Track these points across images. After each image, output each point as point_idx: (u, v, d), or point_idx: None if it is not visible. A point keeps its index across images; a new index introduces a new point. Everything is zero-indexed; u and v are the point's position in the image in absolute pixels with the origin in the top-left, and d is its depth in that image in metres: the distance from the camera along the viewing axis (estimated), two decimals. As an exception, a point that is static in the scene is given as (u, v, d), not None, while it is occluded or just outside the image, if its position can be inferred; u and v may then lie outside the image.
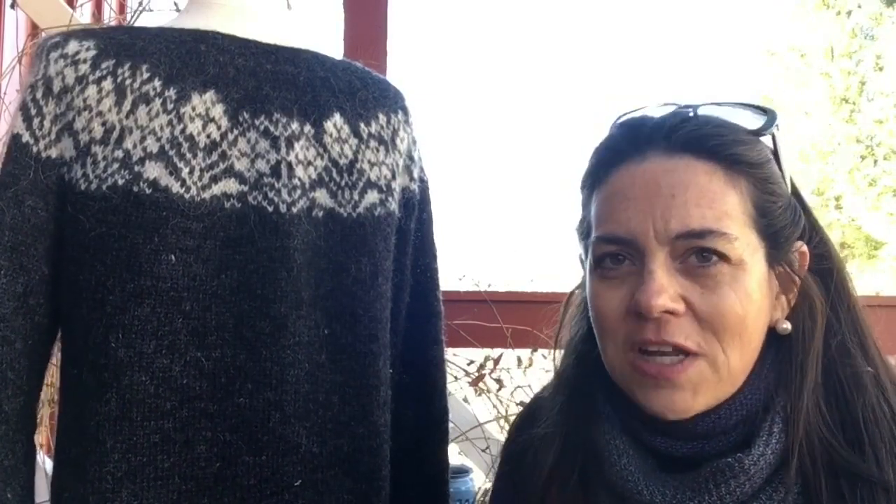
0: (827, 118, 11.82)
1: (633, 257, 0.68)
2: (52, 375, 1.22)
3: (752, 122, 0.69)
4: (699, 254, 0.65)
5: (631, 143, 0.70)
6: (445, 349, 1.05)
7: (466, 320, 1.51)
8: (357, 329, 0.89)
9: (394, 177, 0.95)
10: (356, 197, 0.91)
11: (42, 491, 0.88)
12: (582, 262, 0.78)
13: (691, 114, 0.70)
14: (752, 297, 0.65)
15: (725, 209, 0.65)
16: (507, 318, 1.54)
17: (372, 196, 0.92)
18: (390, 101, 0.98)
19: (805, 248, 0.70)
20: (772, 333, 0.69)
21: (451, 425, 1.06)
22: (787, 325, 0.69)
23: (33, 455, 0.84)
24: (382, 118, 0.96)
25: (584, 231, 0.75)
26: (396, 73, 1.59)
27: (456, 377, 1.70)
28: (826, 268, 0.71)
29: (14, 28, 2.05)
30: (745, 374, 0.68)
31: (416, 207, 1.00)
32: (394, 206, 0.94)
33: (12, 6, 1.93)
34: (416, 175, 1.00)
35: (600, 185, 0.71)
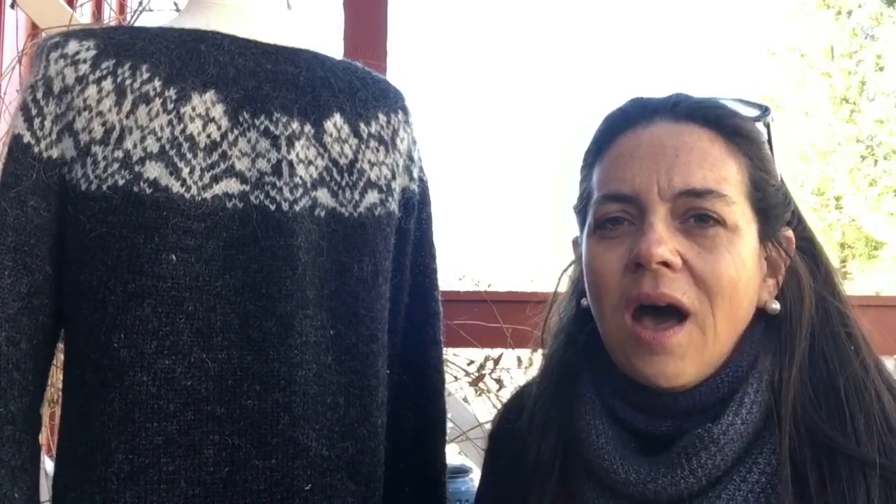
0: (827, 118, 11.82)
1: (633, 218, 0.70)
2: (52, 376, 1.22)
3: (748, 111, 0.74)
4: (698, 217, 0.68)
5: (639, 110, 0.74)
6: (445, 349, 1.05)
7: (466, 320, 1.51)
8: (360, 329, 0.89)
9: (394, 177, 0.95)
10: (357, 197, 0.91)
11: (43, 491, 0.88)
12: (575, 243, 0.80)
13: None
14: (745, 263, 0.68)
15: (725, 174, 0.69)
16: (507, 318, 1.54)
17: (372, 196, 0.92)
18: (390, 101, 0.98)
19: (791, 233, 0.73)
20: (759, 315, 0.71)
21: (450, 425, 1.06)
22: (776, 305, 0.72)
23: (38, 455, 0.84)
24: (382, 118, 0.96)
25: (583, 203, 0.77)
26: (396, 73, 1.59)
27: (456, 377, 1.70)
28: (811, 253, 0.74)
29: (14, 28, 2.05)
30: (730, 346, 0.69)
31: (416, 207, 1.00)
32: (394, 206, 0.95)
33: (12, 6, 1.93)
34: (415, 175, 1.00)
35: (605, 153, 0.74)
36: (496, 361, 1.71)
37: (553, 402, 0.78)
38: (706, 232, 0.67)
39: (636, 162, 0.70)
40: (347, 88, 0.94)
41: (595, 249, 0.72)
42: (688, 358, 0.67)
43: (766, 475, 0.65)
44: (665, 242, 0.66)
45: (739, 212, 0.68)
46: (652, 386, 0.68)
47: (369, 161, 0.93)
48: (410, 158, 0.99)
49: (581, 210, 0.77)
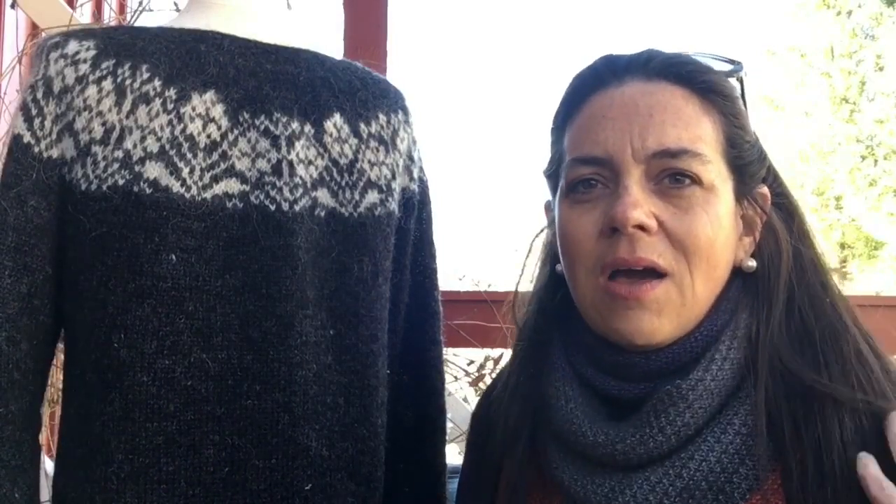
0: (827, 118, 11.81)
1: (606, 180, 0.69)
2: (52, 376, 1.22)
3: (721, 66, 0.72)
4: (673, 177, 0.67)
5: (609, 69, 0.72)
6: (445, 349, 1.05)
7: (466, 320, 1.51)
8: (360, 329, 0.89)
9: (394, 177, 0.95)
10: (357, 197, 0.91)
11: (43, 491, 0.88)
12: (548, 207, 0.79)
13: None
14: (721, 222, 0.67)
15: (699, 133, 0.68)
16: (507, 318, 1.54)
17: (372, 196, 0.92)
18: (390, 101, 0.98)
19: (766, 190, 0.72)
20: (735, 273, 0.70)
21: (450, 425, 1.06)
22: (753, 263, 0.71)
23: (39, 455, 0.84)
24: (382, 118, 0.96)
25: (554, 167, 0.75)
26: (396, 73, 1.59)
27: (456, 377, 1.70)
28: (786, 208, 0.73)
29: (14, 28, 2.05)
30: (707, 306, 0.68)
31: (416, 207, 1.00)
32: (394, 205, 0.95)
33: (12, 6, 1.93)
34: (415, 175, 1.00)
35: (575, 114, 0.73)
36: (496, 361, 1.71)
37: (524, 370, 0.77)
38: (682, 192, 0.66)
39: (608, 123, 0.68)
40: (347, 88, 0.94)
41: (568, 214, 0.71)
42: (664, 316, 0.66)
43: (742, 435, 0.63)
44: (640, 205, 0.65)
45: (715, 171, 0.67)
46: (627, 344, 0.67)
47: (369, 161, 0.93)
48: (410, 158, 0.99)
49: (552, 174, 0.76)
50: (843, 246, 11.94)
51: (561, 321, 0.77)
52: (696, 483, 0.63)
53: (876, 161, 11.53)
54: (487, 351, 1.70)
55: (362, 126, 0.93)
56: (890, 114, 11.23)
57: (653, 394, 0.66)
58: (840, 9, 11.92)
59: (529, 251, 0.84)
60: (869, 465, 0.59)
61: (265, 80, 0.89)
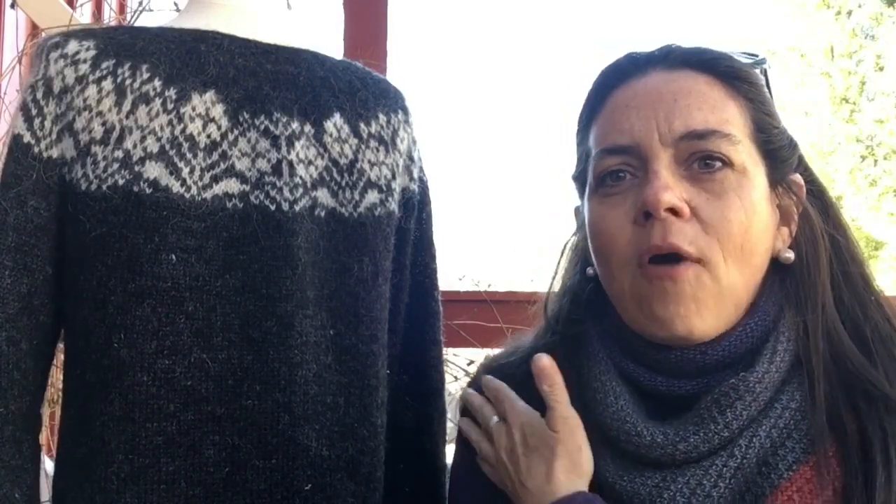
0: (827, 118, 11.81)
1: (635, 169, 0.67)
2: (52, 376, 1.22)
3: (743, 59, 0.72)
4: (703, 160, 0.65)
5: (632, 63, 0.72)
6: (445, 349, 1.05)
7: (466, 320, 1.51)
8: (360, 329, 0.89)
9: (394, 177, 0.95)
10: (357, 197, 0.91)
11: (43, 491, 0.88)
12: (577, 212, 0.78)
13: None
14: (756, 208, 0.65)
15: (726, 116, 0.67)
16: (507, 318, 1.54)
17: (372, 196, 0.92)
18: (390, 101, 0.97)
19: (800, 179, 0.71)
20: (775, 265, 0.69)
21: (450, 425, 1.06)
22: (791, 254, 0.69)
23: (39, 455, 0.84)
24: (382, 118, 0.96)
25: (582, 167, 0.74)
26: (396, 73, 1.59)
27: (456, 377, 1.70)
28: (821, 199, 0.72)
29: (14, 28, 2.05)
30: (749, 298, 0.67)
31: (416, 207, 1.00)
32: (394, 206, 0.95)
33: (12, 6, 1.93)
34: (415, 175, 1.00)
35: (599, 110, 0.72)
36: (496, 361, 1.70)
37: (562, 357, 0.73)
38: (713, 176, 0.65)
39: (633, 112, 0.68)
40: (347, 88, 0.94)
41: (599, 210, 0.69)
42: (702, 302, 0.64)
43: (791, 410, 0.63)
44: (671, 188, 0.64)
45: (745, 152, 0.66)
46: (669, 333, 0.65)
47: (369, 161, 0.93)
48: (410, 158, 0.99)
49: (580, 174, 0.75)
50: (842, 246, 11.92)
51: (597, 314, 0.74)
52: (748, 461, 0.62)
53: (876, 161, 11.53)
54: (487, 351, 1.69)
55: (362, 126, 0.93)
56: (890, 114, 11.23)
57: (708, 389, 0.65)
58: (840, 9, 11.92)
59: (562, 254, 0.83)
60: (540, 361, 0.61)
61: (265, 80, 0.89)
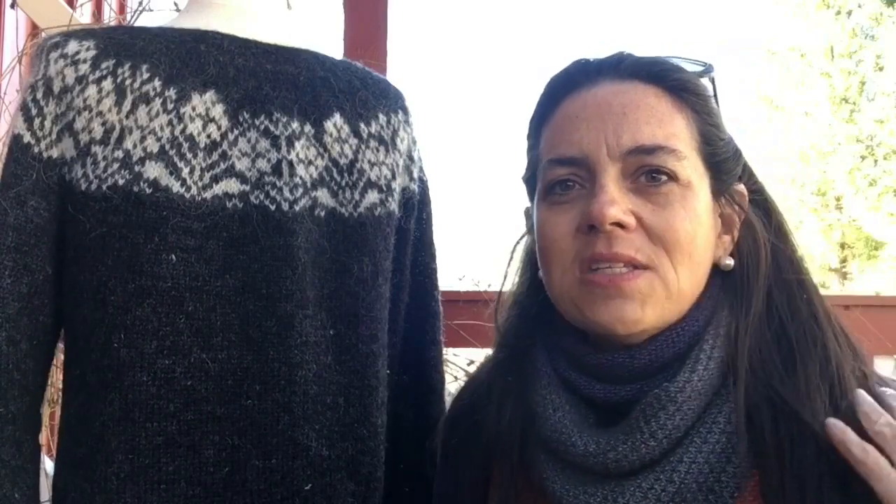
0: (827, 118, 11.82)
1: (583, 180, 0.69)
2: (52, 376, 1.22)
3: (691, 67, 0.73)
4: (649, 174, 0.67)
5: (582, 71, 0.72)
6: (445, 349, 1.05)
7: (466, 320, 1.51)
8: (360, 329, 0.89)
9: (394, 177, 0.95)
10: (357, 197, 0.91)
11: (43, 491, 0.88)
12: (527, 213, 0.79)
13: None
14: (700, 218, 0.67)
15: (673, 130, 0.68)
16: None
17: (372, 196, 0.92)
18: (390, 101, 0.98)
19: (743, 188, 0.72)
20: (714, 272, 0.70)
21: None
22: (731, 261, 0.71)
23: (38, 455, 0.84)
24: (382, 118, 0.96)
25: (531, 172, 0.75)
26: (396, 73, 1.59)
27: (456, 377, 1.70)
28: (763, 206, 0.73)
29: (14, 28, 2.05)
30: (690, 303, 0.68)
31: (416, 207, 1.00)
32: (394, 205, 0.95)
33: (12, 6, 1.93)
34: (415, 175, 1.00)
35: (549, 117, 0.73)
36: (496, 361, 1.70)
37: (509, 374, 0.76)
38: (659, 189, 0.66)
39: (583, 123, 0.69)
40: (347, 88, 0.94)
41: (545, 215, 0.71)
42: (649, 306, 0.65)
43: (727, 434, 0.63)
44: (617, 203, 0.65)
45: (691, 167, 0.67)
46: (609, 334, 0.66)
47: (369, 161, 0.93)
48: (410, 158, 0.99)
49: (530, 178, 0.76)
50: (843, 246, 11.94)
51: (543, 326, 0.76)
52: (686, 486, 0.62)
53: (876, 161, 11.53)
54: (487, 351, 1.69)
55: (362, 126, 0.93)
56: (890, 114, 11.24)
57: (639, 396, 0.65)
58: (840, 9, 11.93)
59: (511, 258, 0.84)
60: (847, 431, 0.60)
61: (265, 80, 0.89)
